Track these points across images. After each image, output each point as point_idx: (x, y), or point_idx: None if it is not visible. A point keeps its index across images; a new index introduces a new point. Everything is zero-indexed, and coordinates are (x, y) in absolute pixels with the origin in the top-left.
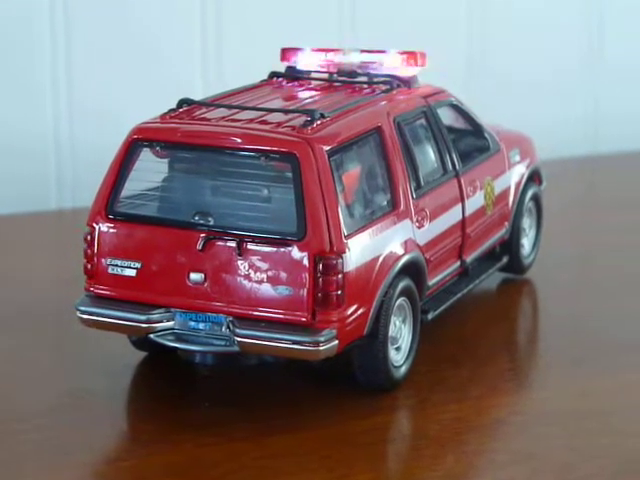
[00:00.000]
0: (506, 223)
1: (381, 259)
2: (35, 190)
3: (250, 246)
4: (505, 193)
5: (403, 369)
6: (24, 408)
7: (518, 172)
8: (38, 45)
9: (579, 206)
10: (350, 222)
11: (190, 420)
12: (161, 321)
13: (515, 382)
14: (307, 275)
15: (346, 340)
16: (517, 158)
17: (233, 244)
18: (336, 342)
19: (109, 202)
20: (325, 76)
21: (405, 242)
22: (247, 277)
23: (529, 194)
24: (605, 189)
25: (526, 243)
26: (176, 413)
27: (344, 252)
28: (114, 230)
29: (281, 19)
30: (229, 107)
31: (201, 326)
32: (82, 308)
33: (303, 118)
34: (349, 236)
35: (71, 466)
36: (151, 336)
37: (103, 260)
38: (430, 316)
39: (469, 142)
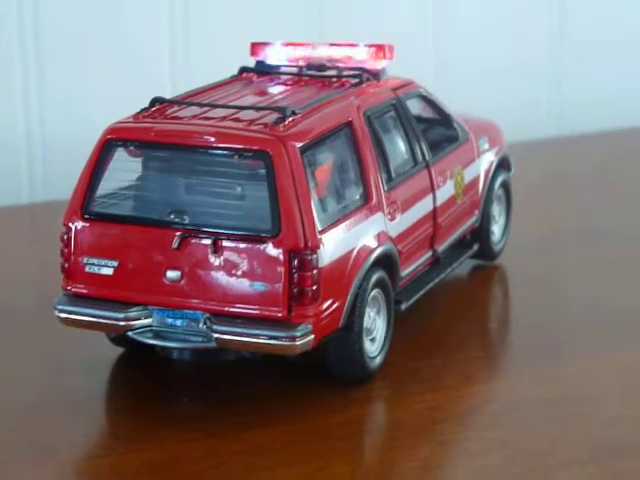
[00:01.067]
0: (476, 211)
1: (355, 253)
2: (6, 184)
3: (225, 243)
4: (475, 181)
5: (378, 360)
6: (2, 405)
7: (487, 160)
8: (7, 40)
9: (544, 190)
10: (324, 217)
11: (169, 416)
12: (139, 319)
13: (488, 370)
14: (282, 271)
15: (322, 334)
16: (486, 146)
17: (208, 242)
18: (312, 336)
19: (85, 202)
20: (294, 70)
21: (378, 235)
22: (223, 274)
23: (498, 181)
24: (569, 171)
25: (496, 230)
26: (155, 409)
27: (318, 248)
28: (90, 229)
29: (248, 14)
30: (201, 105)
31: (178, 323)
32: (60, 307)
33: (275, 115)
34: (323, 231)
35: (51, 464)
36: (129, 334)
37: (80, 259)
38: (403, 306)
39: (438, 132)
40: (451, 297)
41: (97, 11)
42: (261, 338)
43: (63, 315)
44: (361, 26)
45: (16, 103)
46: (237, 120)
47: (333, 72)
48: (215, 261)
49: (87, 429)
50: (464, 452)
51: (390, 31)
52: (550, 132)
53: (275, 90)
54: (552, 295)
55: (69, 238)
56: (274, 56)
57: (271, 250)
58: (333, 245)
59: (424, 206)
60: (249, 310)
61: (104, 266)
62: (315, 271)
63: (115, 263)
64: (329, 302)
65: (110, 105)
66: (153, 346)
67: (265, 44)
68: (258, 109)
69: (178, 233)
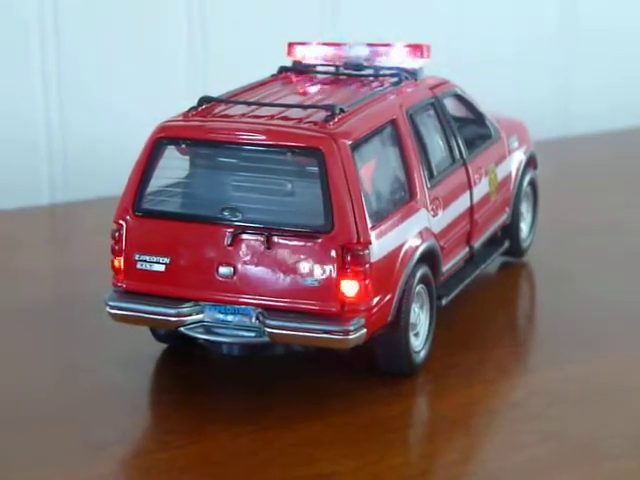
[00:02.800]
0: (507, 208)
1: (402, 248)
2: (26, 183)
3: (278, 240)
4: (507, 179)
5: (422, 354)
6: (52, 404)
7: (517, 158)
8: (27, 38)
9: (557, 186)
10: (373, 214)
11: (220, 410)
12: (190, 314)
13: (524, 364)
14: (335, 266)
15: (372, 328)
16: (516, 144)
17: (261, 238)
18: (364, 331)
19: (136, 199)
20: (332, 70)
21: (422, 231)
22: (276, 270)
23: (527, 179)
24: (578, 169)
25: (524, 227)
26: (204, 404)
27: (370, 243)
28: (142, 226)
29: (264, 13)
30: (248, 104)
31: (230, 318)
32: (112, 303)
33: (323, 113)
34: (373, 227)
35: (108, 460)
36: (181, 329)
37: (131, 256)
38: (444, 301)
39: (473, 130)
40: (482, 293)
41: (116, 7)
42: (315, 332)
43: (114, 311)
44: (374, 25)
45: (36, 102)
46: (286, 118)
47: (370, 71)
48: (268, 257)
49: (140, 424)
50: (511, 444)
51: (403, 30)
52: (557, 129)
53: (316, 89)
54: (579, 290)
55: (120, 235)
56: (310, 55)
57: (324, 246)
58: (383, 241)
59: (462, 203)
60: (301, 305)
61: (156, 262)
62: (367, 266)
63: (167, 260)
64: (379, 297)
65: (133, 104)
66: (196, 342)
67: (302, 44)
68: (305, 107)
69: (231, 230)
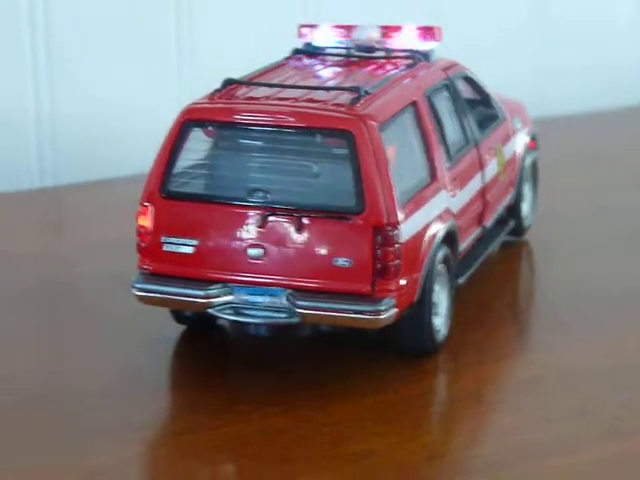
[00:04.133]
0: (511, 189)
1: (427, 229)
2: (15, 167)
3: (309, 221)
4: (512, 160)
5: (442, 332)
6: (79, 387)
7: (521, 139)
8: (17, 22)
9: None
10: (401, 195)
11: (247, 390)
12: (219, 296)
13: (542, 340)
14: (366, 247)
15: (402, 307)
16: (519, 125)
17: (292, 219)
18: (395, 310)
19: (163, 181)
20: (344, 52)
21: (444, 211)
22: (306, 251)
23: (529, 159)
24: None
25: (525, 207)
26: (231, 384)
27: (400, 224)
28: (169, 209)
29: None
30: (271, 85)
31: (260, 299)
32: (139, 285)
33: (348, 95)
34: (402, 208)
35: (141, 442)
36: (210, 310)
37: (158, 238)
38: (461, 281)
39: (482, 111)
40: (489, 271)
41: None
42: (347, 313)
43: (141, 293)
44: (360, 8)
45: (26, 86)
46: (312, 100)
47: (381, 53)
48: (298, 238)
49: (170, 405)
50: (541, 419)
51: (382, 8)
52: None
53: (334, 71)
54: (584, 269)
55: (146, 217)
56: (321, 38)
57: (355, 227)
58: (411, 221)
59: (476, 183)
60: (332, 285)
61: (183, 245)
62: (397, 246)
63: (195, 242)
64: (407, 277)
65: (121, 87)
66: (215, 323)
67: (313, 26)
68: (328, 89)
69: (261, 211)
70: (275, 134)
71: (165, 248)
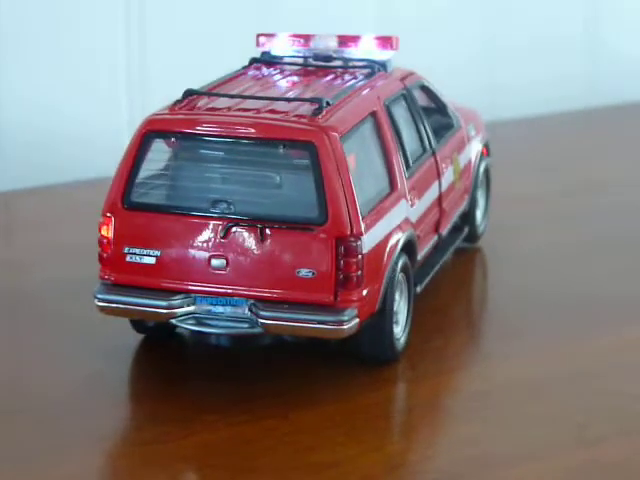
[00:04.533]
0: (466, 196)
1: (388, 239)
2: None
3: (272, 232)
4: (467, 167)
5: (402, 341)
6: (42, 396)
7: (475, 146)
8: None
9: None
10: (363, 205)
11: (211, 399)
12: (182, 306)
13: (500, 349)
14: (329, 258)
15: (363, 317)
16: (473, 133)
17: (255, 231)
18: (357, 320)
19: (125, 192)
20: (301, 61)
21: (404, 221)
22: (269, 262)
23: (482, 167)
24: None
25: (478, 213)
26: (194, 393)
27: (362, 234)
28: (131, 220)
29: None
30: (232, 97)
31: (222, 310)
32: (100, 296)
33: (309, 106)
34: (364, 219)
35: (106, 452)
36: (172, 321)
37: (120, 249)
38: (419, 289)
39: (438, 120)
40: (443, 278)
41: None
42: (310, 323)
43: (103, 304)
44: (310, 15)
45: None
46: (274, 111)
47: (338, 62)
48: (261, 249)
49: (136, 415)
50: (503, 428)
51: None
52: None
53: (292, 80)
54: (538, 276)
55: (108, 228)
56: (279, 47)
57: (318, 238)
58: (373, 232)
59: (433, 192)
60: (295, 296)
61: (146, 255)
62: (360, 257)
63: (157, 252)
64: (369, 287)
65: (71, 94)
66: (174, 332)
67: (270, 35)
68: (289, 100)
69: (224, 222)
70: (237, 145)
71: (128, 259)
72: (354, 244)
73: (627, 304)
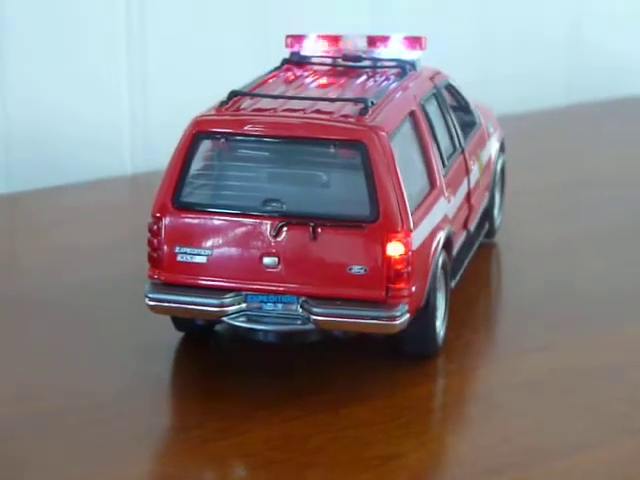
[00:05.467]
0: (486, 192)
1: (433, 236)
2: None
3: (324, 230)
4: (488, 164)
5: (441, 335)
6: (92, 397)
7: (494, 143)
8: None
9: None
10: (410, 202)
11: (262, 396)
12: (233, 304)
13: (538, 340)
14: (381, 255)
15: (412, 313)
16: (492, 130)
17: (307, 229)
18: (408, 315)
19: (175, 193)
20: (331, 61)
21: (444, 217)
22: (321, 259)
23: (500, 163)
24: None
25: (495, 209)
26: (245, 390)
27: (412, 231)
28: (182, 220)
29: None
30: (275, 97)
31: (273, 307)
32: (152, 295)
33: (353, 106)
34: (412, 216)
35: (171, 450)
36: (224, 319)
37: (171, 249)
38: (453, 284)
39: (462, 118)
40: (468, 274)
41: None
42: (363, 319)
43: (153, 303)
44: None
45: None
46: (320, 112)
47: (368, 63)
48: (313, 247)
49: (186, 414)
50: (555, 418)
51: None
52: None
53: (327, 81)
54: (562, 267)
55: (159, 228)
56: (309, 48)
57: (370, 235)
58: (420, 229)
59: (464, 189)
60: (346, 292)
61: (197, 255)
62: (410, 253)
63: (208, 251)
64: (417, 283)
65: (73, 94)
66: (213, 330)
67: (301, 37)
68: (333, 100)
69: (276, 221)
70: (287, 145)
71: (179, 258)
72: (405, 240)
73: None
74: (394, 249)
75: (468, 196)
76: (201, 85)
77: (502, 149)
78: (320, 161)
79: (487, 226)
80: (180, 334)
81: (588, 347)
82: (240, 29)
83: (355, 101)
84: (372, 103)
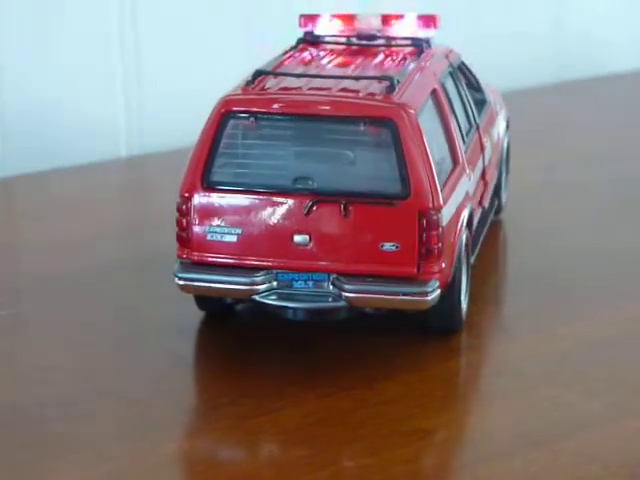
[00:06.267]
0: (495, 170)
1: (459, 212)
2: None
3: (355, 207)
4: (497, 142)
5: (464, 310)
6: (125, 380)
7: (501, 121)
8: None
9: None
10: (439, 179)
11: (294, 372)
12: (264, 282)
13: (559, 314)
14: (412, 231)
15: (442, 288)
16: (498, 108)
17: (338, 206)
18: (439, 291)
19: (204, 172)
20: (346, 40)
21: (466, 194)
22: (353, 236)
23: (506, 140)
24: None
25: (502, 186)
26: (277, 367)
27: (442, 208)
28: (212, 199)
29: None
30: (299, 76)
31: (304, 285)
32: (181, 275)
33: (378, 84)
34: (442, 192)
35: (213, 427)
36: (255, 297)
37: (200, 228)
38: (472, 260)
39: (475, 96)
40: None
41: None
42: (395, 295)
43: (184, 282)
44: None
45: None
46: (346, 90)
47: (382, 41)
48: (344, 224)
49: (222, 392)
50: (582, 389)
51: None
52: None
53: (346, 60)
54: (575, 240)
55: (187, 208)
56: (322, 27)
57: (401, 212)
58: (449, 205)
59: (480, 166)
60: (378, 269)
61: (227, 234)
62: (440, 230)
63: (239, 230)
64: (446, 259)
65: (68, 82)
66: (236, 309)
67: (315, 16)
68: (357, 78)
69: (307, 199)
70: (316, 123)
71: (209, 237)
72: (436, 217)
73: None
74: (425, 225)
75: (483, 173)
76: (197, 73)
77: (507, 127)
78: (349, 139)
79: (496, 203)
80: (201, 314)
81: (610, 318)
82: (234, 17)
83: (379, 79)
84: (397, 81)
